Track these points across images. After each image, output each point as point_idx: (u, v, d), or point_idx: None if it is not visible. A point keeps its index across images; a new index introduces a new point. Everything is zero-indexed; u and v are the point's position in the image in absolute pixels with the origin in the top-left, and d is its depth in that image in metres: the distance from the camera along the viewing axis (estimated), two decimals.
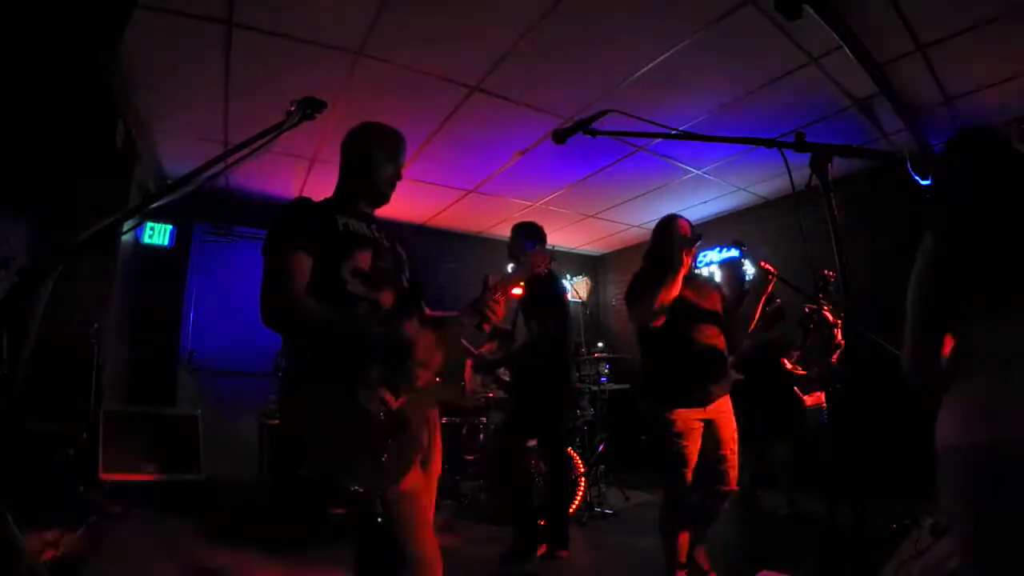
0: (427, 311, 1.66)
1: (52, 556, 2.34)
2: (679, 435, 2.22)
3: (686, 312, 2.29)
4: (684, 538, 2.27)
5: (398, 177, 1.60)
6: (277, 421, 3.81)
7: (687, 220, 2.49)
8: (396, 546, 1.25)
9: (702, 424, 2.28)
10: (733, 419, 2.38)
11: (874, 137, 3.87)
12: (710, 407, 2.30)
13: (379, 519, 1.23)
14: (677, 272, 2.24)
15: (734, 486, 2.33)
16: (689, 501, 2.26)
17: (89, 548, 2.51)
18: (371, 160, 1.55)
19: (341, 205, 1.53)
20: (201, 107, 3.49)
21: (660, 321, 2.23)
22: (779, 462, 3.78)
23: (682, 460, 2.21)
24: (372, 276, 1.41)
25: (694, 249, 2.32)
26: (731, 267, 3.79)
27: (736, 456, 2.35)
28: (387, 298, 1.43)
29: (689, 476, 2.23)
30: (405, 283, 1.55)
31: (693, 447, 2.24)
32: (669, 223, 2.47)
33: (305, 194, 1.64)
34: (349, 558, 1.37)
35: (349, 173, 1.60)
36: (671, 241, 2.38)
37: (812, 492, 3.52)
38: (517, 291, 2.51)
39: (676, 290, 2.24)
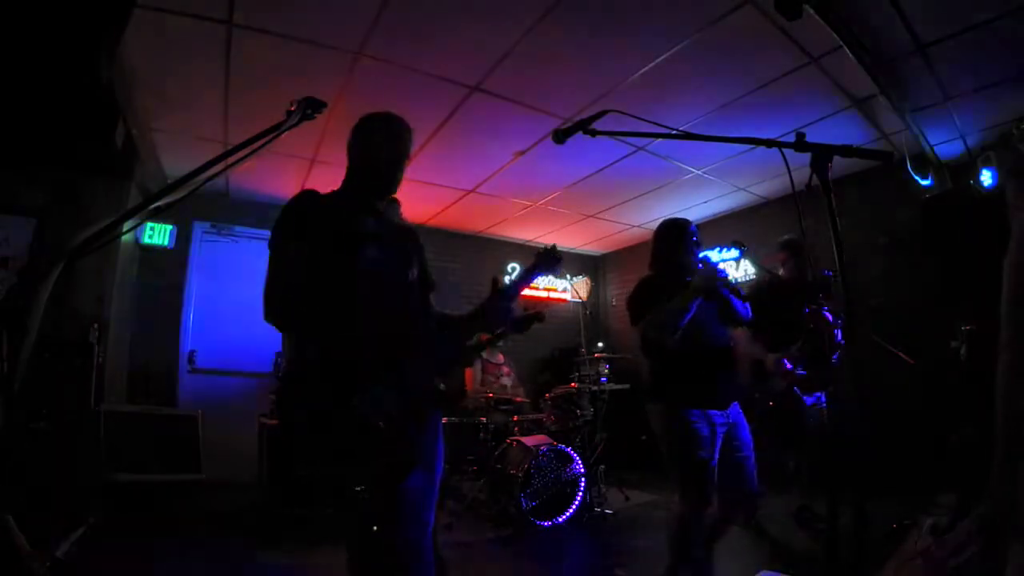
0: (435, 310, 1.64)
1: (52, 556, 2.34)
2: (698, 438, 2.13)
3: (696, 315, 2.21)
4: (695, 544, 2.20)
5: (401, 164, 1.54)
6: (276, 421, 3.81)
7: (694, 226, 2.45)
8: (393, 550, 1.24)
9: (720, 428, 2.21)
10: (746, 422, 2.34)
11: (874, 137, 3.87)
12: (729, 411, 2.25)
13: (375, 527, 1.21)
14: (696, 299, 2.16)
15: (755, 487, 2.28)
16: (709, 511, 2.17)
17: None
18: (372, 150, 1.51)
19: (348, 198, 1.49)
20: (201, 107, 3.49)
21: (674, 347, 2.13)
22: (780, 463, 3.77)
23: (700, 463, 2.12)
24: (377, 272, 1.39)
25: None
26: (791, 248, 3.40)
27: (754, 458, 2.30)
28: (392, 296, 1.41)
29: (711, 480, 2.14)
30: (412, 279, 1.52)
31: (712, 450, 2.16)
32: (684, 231, 2.39)
33: None
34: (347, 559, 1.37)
35: (354, 165, 1.56)
36: (679, 242, 2.34)
37: (812, 492, 3.52)
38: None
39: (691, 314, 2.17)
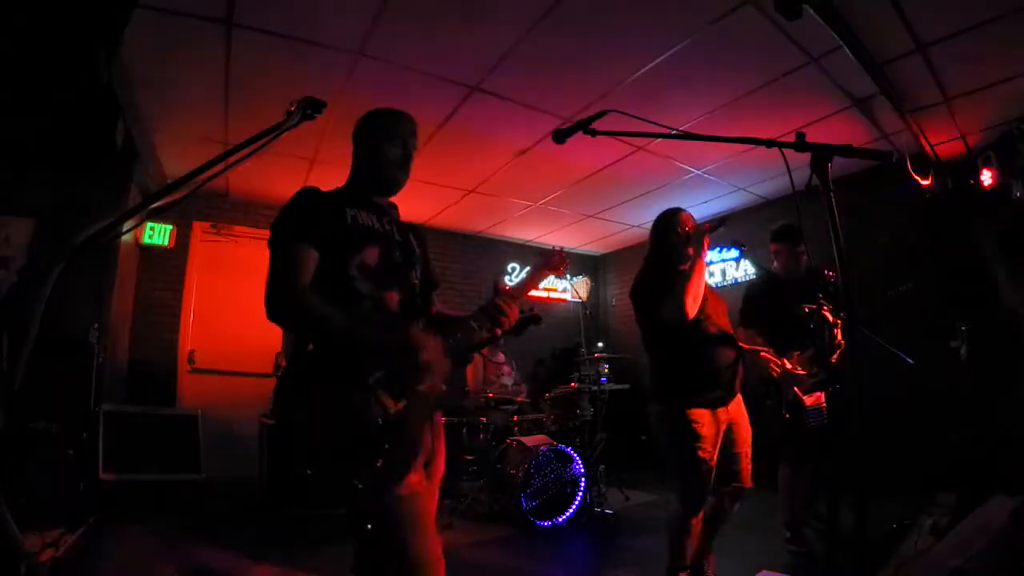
0: (437, 309, 1.64)
1: (52, 556, 2.34)
2: (700, 438, 2.13)
3: (702, 309, 2.22)
4: (693, 542, 2.22)
5: (407, 163, 1.51)
6: (276, 420, 3.82)
7: (690, 213, 2.44)
8: (396, 549, 1.23)
9: (722, 425, 2.22)
10: (747, 418, 2.35)
11: (874, 137, 3.87)
12: (730, 407, 2.26)
13: (368, 526, 1.21)
14: (700, 258, 2.18)
15: (749, 483, 2.29)
16: (704, 506, 2.18)
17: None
18: (376, 150, 1.49)
19: (351, 196, 1.47)
20: (201, 107, 3.49)
21: (693, 314, 2.13)
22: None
23: (702, 464, 2.12)
24: (379, 272, 1.38)
25: (707, 238, 2.24)
26: (784, 237, 3.08)
27: (750, 454, 2.31)
28: (393, 296, 1.40)
29: (709, 480, 2.15)
30: (415, 280, 1.50)
31: (714, 450, 2.16)
32: (674, 216, 2.38)
33: None
34: (349, 558, 1.37)
35: (357, 163, 1.54)
36: (679, 234, 2.32)
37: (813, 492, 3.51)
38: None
39: (703, 278, 2.18)
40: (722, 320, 2.36)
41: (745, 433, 2.32)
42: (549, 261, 1.75)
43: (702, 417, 2.16)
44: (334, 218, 1.37)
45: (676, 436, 2.18)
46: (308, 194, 1.40)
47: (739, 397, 2.34)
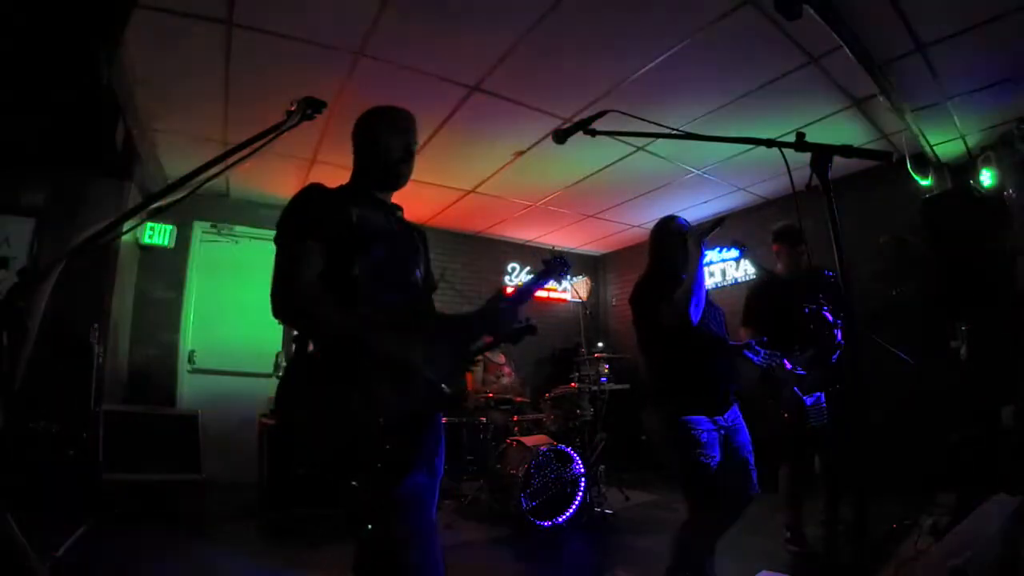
0: (437, 309, 1.64)
1: (52, 556, 2.34)
2: (701, 444, 2.11)
3: (703, 316, 2.20)
4: (699, 550, 2.20)
5: (410, 156, 1.51)
6: (276, 421, 3.81)
7: (685, 220, 2.46)
8: (396, 551, 1.23)
9: (721, 431, 2.21)
10: (744, 425, 2.34)
11: (874, 137, 3.87)
12: (728, 414, 2.24)
13: (369, 527, 1.21)
14: (698, 261, 2.18)
15: (756, 489, 2.26)
16: (714, 514, 2.16)
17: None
18: (379, 143, 1.48)
19: (356, 194, 1.46)
20: (201, 107, 3.49)
21: (698, 319, 2.11)
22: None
23: (706, 469, 2.10)
24: (383, 272, 1.37)
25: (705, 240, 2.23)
26: (785, 238, 3.08)
27: (752, 460, 2.31)
28: (397, 296, 1.40)
29: (716, 486, 2.13)
30: (418, 280, 1.50)
31: (717, 455, 2.15)
32: (670, 222, 2.39)
33: None
34: (349, 558, 1.37)
35: (360, 160, 1.54)
36: (676, 239, 2.32)
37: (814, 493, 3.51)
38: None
39: (704, 281, 2.19)
40: (719, 326, 2.36)
41: (744, 439, 2.31)
42: (551, 267, 1.75)
43: (701, 423, 2.16)
44: (339, 216, 1.36)
45: (677, 444, 2.17)
46: (314, 190, 1.39)
47: (735, 406, 2.34)
